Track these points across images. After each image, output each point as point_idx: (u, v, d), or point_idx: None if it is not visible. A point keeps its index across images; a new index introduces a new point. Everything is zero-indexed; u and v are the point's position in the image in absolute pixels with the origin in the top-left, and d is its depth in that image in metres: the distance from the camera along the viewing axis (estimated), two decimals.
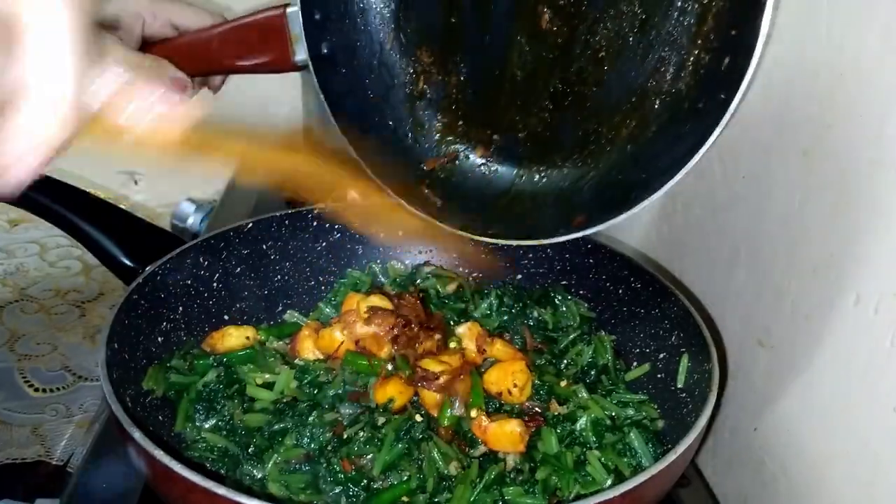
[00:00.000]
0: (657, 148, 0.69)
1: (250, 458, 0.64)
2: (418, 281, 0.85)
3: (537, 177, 0.79)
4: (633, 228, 1.00)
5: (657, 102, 0.70)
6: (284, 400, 0.69)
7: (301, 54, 0.73)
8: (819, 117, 0.63)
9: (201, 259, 0.79)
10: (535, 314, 0.81)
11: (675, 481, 0.60)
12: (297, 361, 0.73)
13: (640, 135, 0.72)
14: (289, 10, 0.72)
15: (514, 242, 0.76)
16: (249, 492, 0.58)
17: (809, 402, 0.65)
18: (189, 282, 0.77)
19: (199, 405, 0.68)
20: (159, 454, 0.50)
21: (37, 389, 1.12)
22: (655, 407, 0.70)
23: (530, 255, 0.89)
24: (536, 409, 0.68)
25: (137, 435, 0.52)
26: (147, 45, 0.78)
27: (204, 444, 0.65)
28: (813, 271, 0.64)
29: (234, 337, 0.74)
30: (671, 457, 0.54)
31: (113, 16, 0.77)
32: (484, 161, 0.82)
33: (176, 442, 0.66)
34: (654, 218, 0.93)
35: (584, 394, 0.69)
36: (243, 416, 0.67)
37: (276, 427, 0.65)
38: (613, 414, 0.69)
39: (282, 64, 0.75)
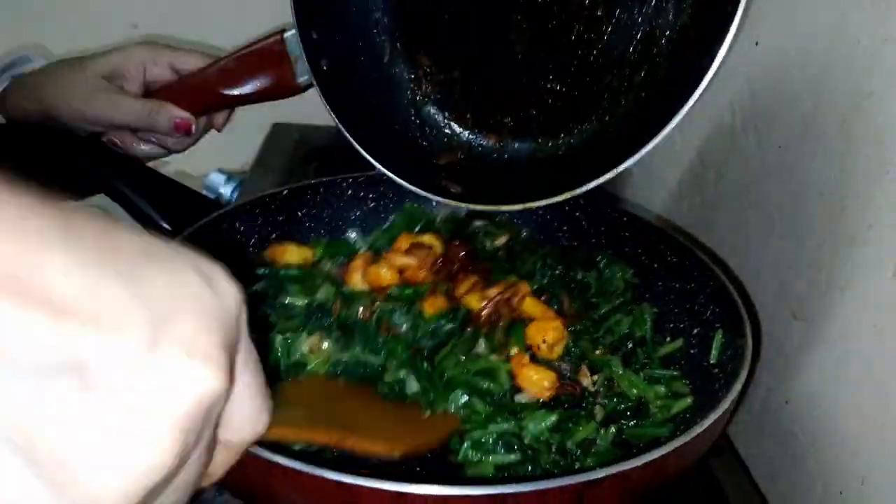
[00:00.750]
0: (670, 82, 0.69)
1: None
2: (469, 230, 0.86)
3: (555, 144, 0.79)
4: (664, 200, 0.99)
5: (663, 42, 0.70)
6: (318, 304, 0.72)
7: (304, 75, 0.74)
8: (858, 85, 0.61)
9: (237, 224, 0.80)
10: (580, 276, 0.81)
11: (707, 450, 0.60)
12: (344, 289, 0.75)
13: (652, 78, 0.71)
14: (286, 34, 0.74)
15: (546, 201, 0.75)
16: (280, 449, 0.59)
17: (843, 376, 0.64)
18: (224, 246, 0.78)
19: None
20: None
21: None
22: (687, 383, 0.70)
23: (565, 228, 0.88)
24: (564, 367, 0.69)
25: None
26: (150, 92, 0.80)
27: None
28: (850, 242, 0.63)
29: (293, 253, 0.78)
30: (698, 429, 0.54)
31: (116, 67, 0.80)
32: (499, 144, 0.81)
33: None
34: (686, 189, 0.92)
35: (617, 366, 0.68)
36: (285, 323, 0.70)
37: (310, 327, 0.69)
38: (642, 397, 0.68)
39: (285, 87, 0.77)
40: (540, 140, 0.80)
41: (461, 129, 0.82)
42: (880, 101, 0.59)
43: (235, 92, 0.77)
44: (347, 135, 0.76)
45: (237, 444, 0.35)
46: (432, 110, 0.82)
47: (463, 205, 0.78)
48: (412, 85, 0.81)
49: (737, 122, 0.80)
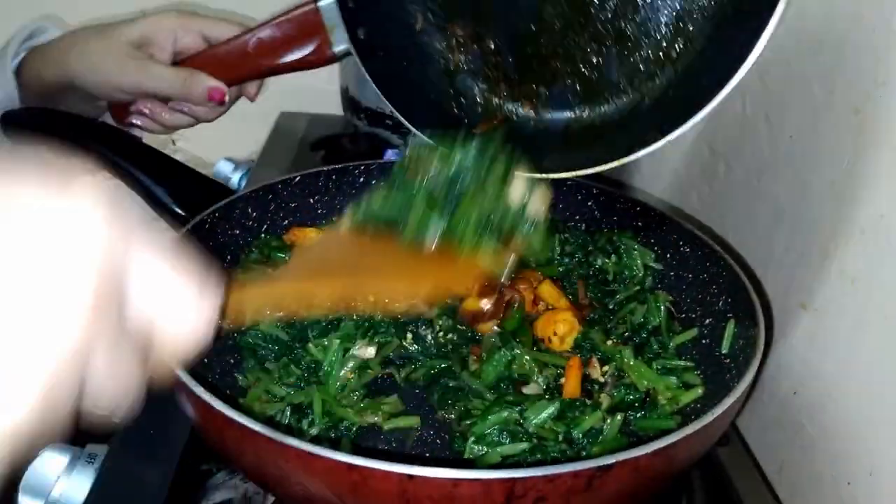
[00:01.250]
0: (708, 59, 0.69)
1: (300, 345, 0.69)
2: None
3: (591, 114, 0.79)
4: (673, 189, 0.99)
5: (699, 18, 0.69)
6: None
7: (341, 44, 0.73)
8: (872, 74, 0.61)
9: (249, 210, 0.81)
10: (599, 262, 0.81)
11: (716, 441, 0.60)
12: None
13: (688, 52, 0.71)
14: (321, 3, 0.72)
15: (583, 171, 0.72)
16: (300, 434, 0.59)
17: (853, 367, 0.64)
18: (237, 231, 0.79)
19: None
20: (205, 395, 0.51)
21: None
22: (699, 373, 0.70)
23: (577, 218, 0.88)
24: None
25: (184, 376, 0.53)
26: (181, 61, 0.79)
27: (257, 333, 0.70)
28: (860, 233, 0.63)
29: (312, 238, 0.79)
30: (708, 418, 0.54)
31: (145, 35, 0.78)
32: (534, 114, 0.81)
33: (223, 385, 0.68)
34: (696, 178, 0.92)
35: (629, 357, 0.68)
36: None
37: (332, 316, 0.70)
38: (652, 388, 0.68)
39: (320, 56, 0.75)
40: (575, 109, 0.80)
41: (497, 99, 0.82)
42: (893, 90, 0.59)
43: (271, 62, 0.76)
44: (387, 102, 0.75)
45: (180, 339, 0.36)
46: (467, 80, 0.81)
47: None
48: (446, 54, 0.80)
49: (747, 112, 0.79)
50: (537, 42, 0.77)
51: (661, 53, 0.73)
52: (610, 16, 0.74)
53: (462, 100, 0.81)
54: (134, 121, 0.79)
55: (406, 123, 0.76)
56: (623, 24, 0.74)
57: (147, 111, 0.78)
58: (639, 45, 0.74)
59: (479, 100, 0.82)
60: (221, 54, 0.78)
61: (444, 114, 0.81)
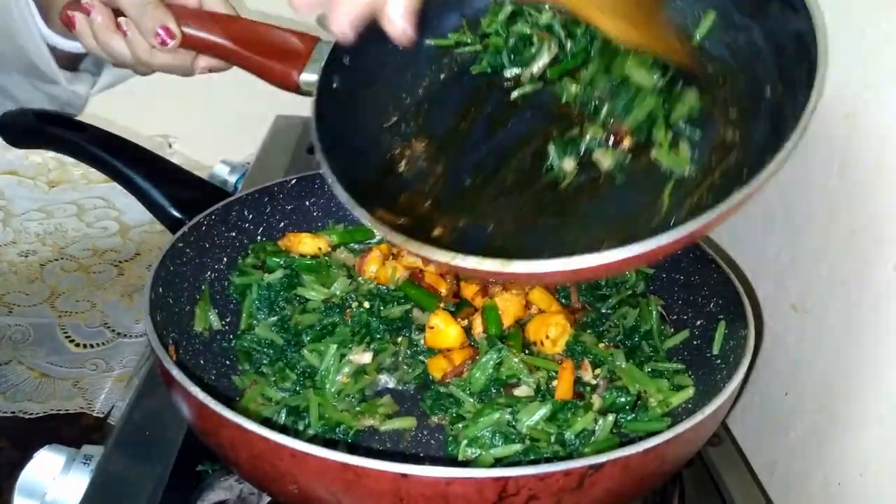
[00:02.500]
0: None
1: (295, 349, 0.70)
2: None
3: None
4: None
5: None
6: (335, 301, 0.73)
7: (311, 75, 0.70)
8: (862, 79, 0.62)
9: (246, 212, 0.81)
10: None
11: (706, 441, 0.61)
12: (360, 279, 0.76)
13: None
14: (323, 41, 0.72)
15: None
16: (297, 434, 0.60)
17: (843, 368, 0.65)
18: (233, 234, 0.80)
19: (261, 304, 0.74)
20: (201, 395, 0.51)
21: (77, 345, 1.15)
22: (690, 375, 0.70)
23: None
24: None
25: (177, 374, 0.53)
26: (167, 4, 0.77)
27: (252, 336, 0.71)
28: (851, 236, 0.63)
29: (307, 244, 0.79)
30: (697, 417, 0.54)
31: None
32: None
33: (219, 386, 0.69)
34: None
35: (620, 360, 0.69)
36: (299, 316, 0.72)
37: (326, 321, 0.71)
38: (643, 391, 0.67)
39: (285, 75, 0.73)
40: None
41: (414, 210, 0.69)
42: (884, 94, 0.59)
43: (244, 50, 0.73)
44: (321, 156, 0.70)
45: None
46: (394, 184, 0.71)
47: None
48: (392, 154, 0.72)
49: None
50: (484, 184, 0.68)
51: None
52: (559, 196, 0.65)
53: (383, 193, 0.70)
54: (71, 14, 0.74)
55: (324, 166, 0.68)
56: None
57: (90, 10, 0.73)
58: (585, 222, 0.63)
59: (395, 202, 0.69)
60: (201, 13, 0.76)
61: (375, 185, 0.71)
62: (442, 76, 0.74)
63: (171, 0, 0.75)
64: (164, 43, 0.71)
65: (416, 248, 0.53)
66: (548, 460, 0.60)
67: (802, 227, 0.70)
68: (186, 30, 0.73)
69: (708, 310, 0.73)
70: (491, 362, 0.66)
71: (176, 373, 0.53)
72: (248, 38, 0.73)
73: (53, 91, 0.85)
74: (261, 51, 0.73)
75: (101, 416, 1.04)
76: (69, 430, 1.03)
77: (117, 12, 0.75)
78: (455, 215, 0.66)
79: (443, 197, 0.68)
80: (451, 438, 0.63)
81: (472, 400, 0.66)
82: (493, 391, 0.67)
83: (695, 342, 0.73)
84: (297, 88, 0.72)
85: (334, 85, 0.70)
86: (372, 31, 0.61)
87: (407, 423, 0.66)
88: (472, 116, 0.72)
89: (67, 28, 0.76)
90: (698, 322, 0.74)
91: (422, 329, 0.72)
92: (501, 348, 0.67)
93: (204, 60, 0.80)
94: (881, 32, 0.59)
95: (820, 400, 0.67)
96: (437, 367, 0.68)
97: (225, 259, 0.78)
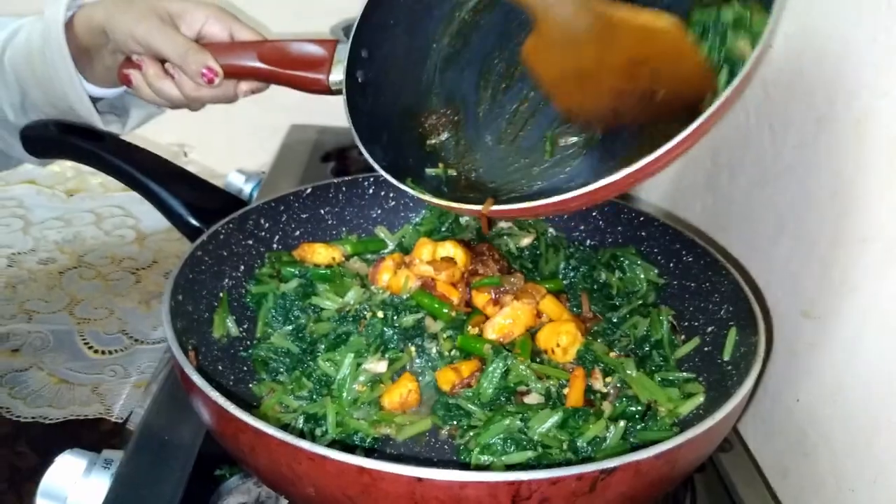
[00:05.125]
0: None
1: (310, 357, 0.71)
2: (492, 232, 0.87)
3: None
4: (676, 200, 1.00)
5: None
6: (349, 310, 0.74)
7: (338, 74, 0.77)
8: (874, 85, 0.62)
9: (262, 221, 0.83)
10: (603, 277, 0.82)
11: (717, 446, 0.61)
12: (373, 288, 0.78)
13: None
14: (341, 43, 0.77)
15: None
16: (314, 440, 0.61)
17: (854, 374, 0.65)
18: (250, 242, 0.81)
19: (276, 313, 0.75)
20: (221, 400, 0.52)
21: (96, 351, 1.17)
22: (701, 381, 0.71)
23: (582, 228, 0.90)
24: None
25: (198, 380, 0.54)
26: (202, 43, 0.82)
27: (269, 345, 0.72)
28: (861, 242, 0.64)
29: (321, 254, 0.81)
30: (708, 423, 0.55)
31: (180, 11, 0.83)
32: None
33: (237, 392, 0.70)
34: (700, 189, 0.93)
35: (631, 369, 0.69)
36: (314, 325, 0.73)
37: (341, 330, 0.72)
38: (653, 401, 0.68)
39: (314, 81, 0.79)
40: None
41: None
42: (894, 102, 0.60)
43: (273, 67, 0.80)
44: (355, 135, 0.76)
45: None
46: (433, 154, 0.80)
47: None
48: (425, 127, 0.81)
49: (751, 123, 0.80)
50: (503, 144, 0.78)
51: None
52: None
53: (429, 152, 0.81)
54: (127, 72, 0.82)
55: (367, 157, 0.75)
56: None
57: (142, 65, 0.81)
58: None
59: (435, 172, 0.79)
60: (234, 45, 0.82)
61: (404, 157, 0.80)
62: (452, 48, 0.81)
63: (207, 38, 0.80)
64: (210, 81, 0.79)
65: (456, 207, 0.68)
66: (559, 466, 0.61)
67: (813, 233, 0.70)
68: (224, 62, 0.78)
69: (719, 316, 0.73)
70: (498, 371, 0.67)
71: (197, 378, 0.55)
72: (277, 57, 0.81)
73: None
74: (291, 65, 0.80)
75: (120, 421, 1.06)
76: (88, 436, 1.04)
77: (163, 61, 0.82)
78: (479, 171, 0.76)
79: (469, 161, 0.78)
80: (461, 447, 0.64)
81: (481, 410, 0.66)
82: (503, 399, 0.67)
83: (706, 348, 0.73)
84: (329, 90, 0.77)
85: (359, 78, 0.78)
86: (380, 28, 0.69)
87: (423, 426, 0.66)
88: (487, 80, 0.80)
89: (126, 85, 0.85)
90: (709, 328, 0.74)
91: (434, 337, 0.73)
92: (507, 356, 0.68)
93: (245, 85, 0.86)
94: (893, 38, 0.59)
95: (832, 406, 0.67)
96: (446, 380, 0.69)
97: (242, 267, 0.80)
